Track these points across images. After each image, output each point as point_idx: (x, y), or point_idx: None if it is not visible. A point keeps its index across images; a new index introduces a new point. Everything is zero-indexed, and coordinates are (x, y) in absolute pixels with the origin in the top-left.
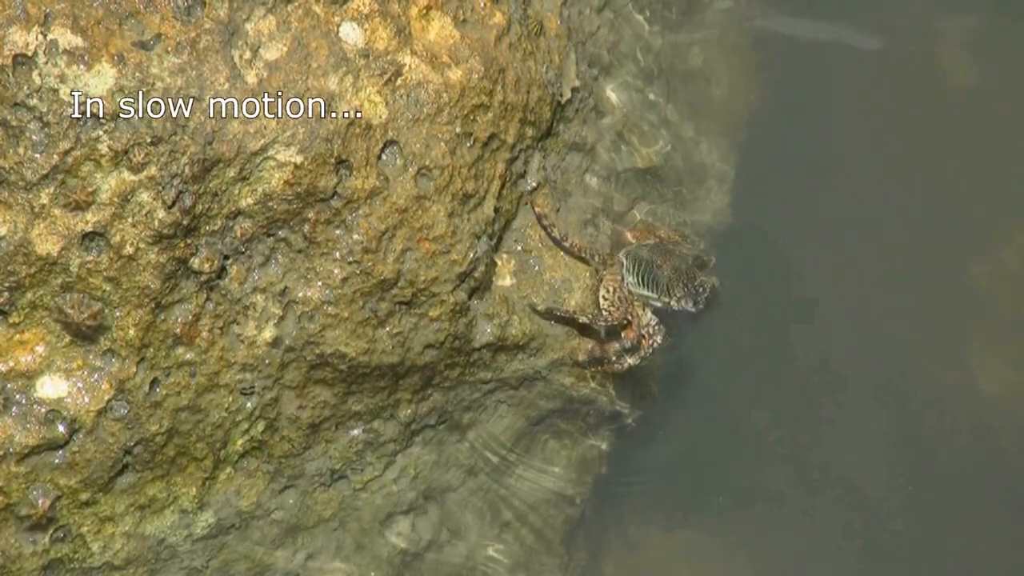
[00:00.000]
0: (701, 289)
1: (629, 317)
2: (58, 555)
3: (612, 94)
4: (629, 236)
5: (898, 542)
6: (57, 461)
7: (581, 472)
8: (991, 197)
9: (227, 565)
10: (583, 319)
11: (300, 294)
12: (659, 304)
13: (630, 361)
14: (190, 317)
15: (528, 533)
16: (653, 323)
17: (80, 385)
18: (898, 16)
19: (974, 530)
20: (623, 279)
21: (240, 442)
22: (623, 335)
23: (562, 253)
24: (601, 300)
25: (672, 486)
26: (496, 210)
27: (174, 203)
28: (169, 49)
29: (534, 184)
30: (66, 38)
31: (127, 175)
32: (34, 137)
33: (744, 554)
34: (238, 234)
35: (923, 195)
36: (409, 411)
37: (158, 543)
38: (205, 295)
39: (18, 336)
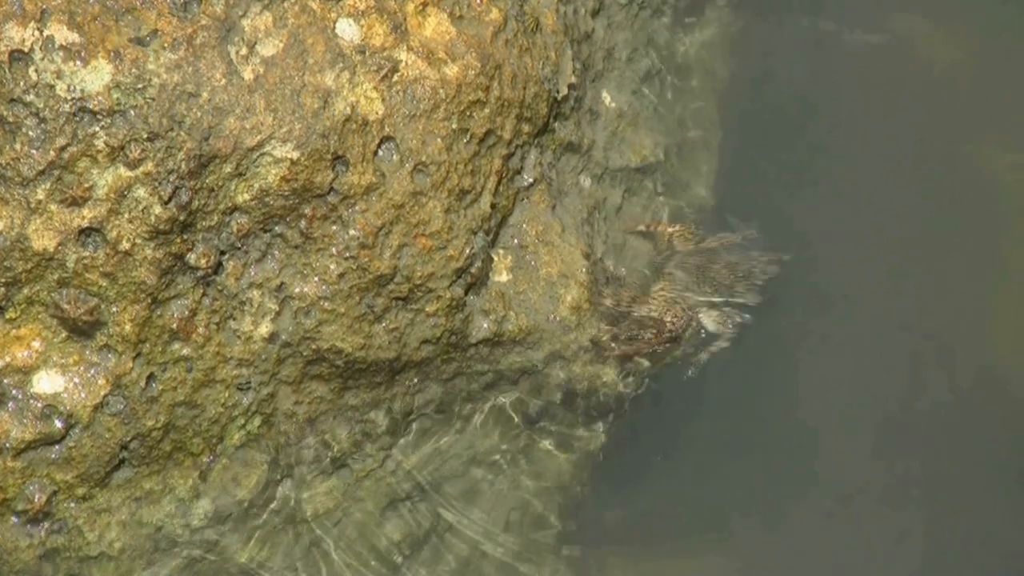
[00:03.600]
0: (762, 278)
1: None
2: (54, 546)
3: (607, 94)
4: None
5: (908, 548)
6: (54, 456)
7: (580, 464)
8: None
9: (226, 555)
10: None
11: (297, 290)
12: (720, 305)
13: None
14: (187, 313)
15: (526, 524)
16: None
17: (77, 380)
18: (893, 11)
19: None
20: (682, 291)
21: (236, 437)
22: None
23: (559, 249)
24: (669, 318)
25: (672, 480)
26: (493, 206)
27: (171, 199)
28: (166, 45)
29: (531, 180)
30: (63, 34)
31: (124, 171)
32: (31, 133)
33: (745, 551)
34: (235, 230)
35: (923, 194)
36: (406, 403)
37: (155, 532)
38: (202, 291)
39: (15, 332)
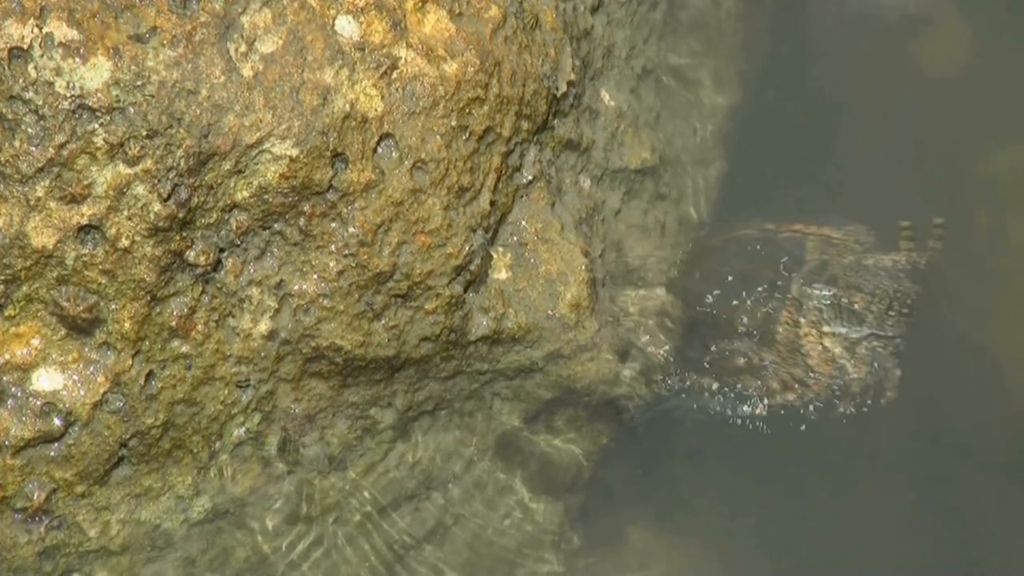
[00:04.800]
0: (905, 301)
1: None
2: (54, 542)
3: (606, 93)
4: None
5: (908, 551)
6: (53, 454)
7: (581, 460)
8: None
9: (226, 551)
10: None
11: (296, 287)
12: (864, 339)
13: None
14: (186, 310)
15: (527, 523)
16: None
17: (76, 378)
18: (895, 10)
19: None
20: (819, 324)
21: (236, 434)
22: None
23: (558, 247)
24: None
25: (674, 476)
26: (492, 203)
27: (170, 196)
28: (165, 42)
29: (530, 178)
30: (62, 31)
31: (123, 168)
32: (30, 130)
33: (748, 555)
34: (234, 227)
35: (923, 194)
36: (406, 400)
37: (155, 529)
38: (201, 288)
39: (14, 329)
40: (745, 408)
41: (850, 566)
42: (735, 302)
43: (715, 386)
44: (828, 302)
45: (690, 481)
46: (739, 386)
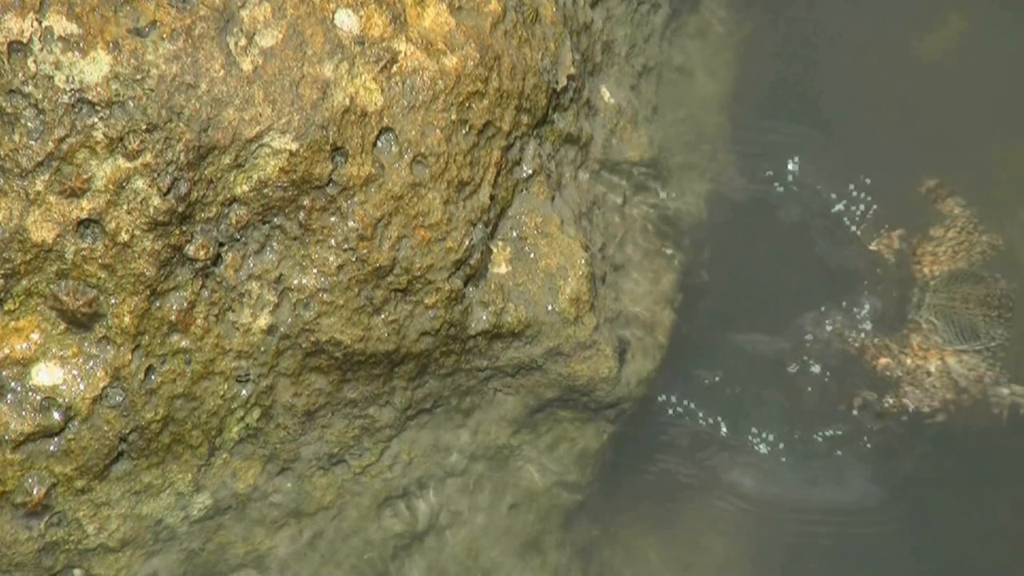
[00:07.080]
0: (1009, 304)
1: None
2: (54, 539)
3: (606, 90)
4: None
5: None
6: (52, 449)
7: (583, 458)
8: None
9: (226, 547)
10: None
11: (295, 282)
12: (972, 351)
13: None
14: (185, 305)
15: (526, 520)
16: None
17: (75, 373)
18: (894, 9)
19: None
20: (945, 344)
21: (235, 429)
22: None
23: (558, 241)
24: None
25: (676, 477)
26: (492, 197)
27: (169, 190)
28: (164, 36)
29: (530, 172)
30: (61, 25)
31: (122, 162)
32: (29, 124)
33: (749, 552)
34: (233, 221)
35: (923, 192)
36: (405, 397)
37: (155, 524)
38: (200, 282)
39: (13, 323)
40: (749, 409)
41: (852, 568)
42: (739, 299)
43: (721, 385)
44: (954, 321)
45: (692, 482)
46: (745, 385)
